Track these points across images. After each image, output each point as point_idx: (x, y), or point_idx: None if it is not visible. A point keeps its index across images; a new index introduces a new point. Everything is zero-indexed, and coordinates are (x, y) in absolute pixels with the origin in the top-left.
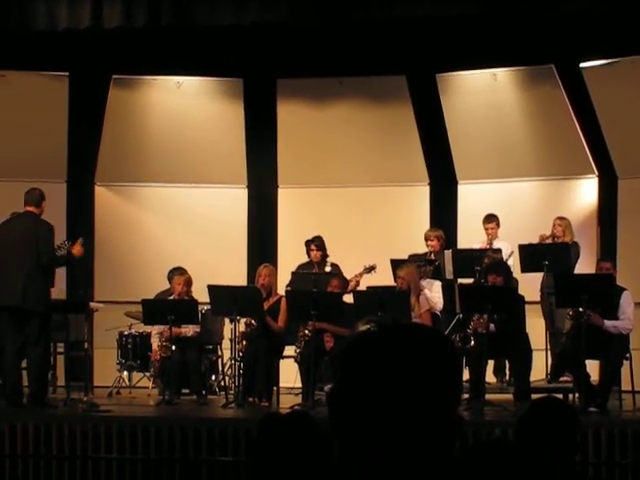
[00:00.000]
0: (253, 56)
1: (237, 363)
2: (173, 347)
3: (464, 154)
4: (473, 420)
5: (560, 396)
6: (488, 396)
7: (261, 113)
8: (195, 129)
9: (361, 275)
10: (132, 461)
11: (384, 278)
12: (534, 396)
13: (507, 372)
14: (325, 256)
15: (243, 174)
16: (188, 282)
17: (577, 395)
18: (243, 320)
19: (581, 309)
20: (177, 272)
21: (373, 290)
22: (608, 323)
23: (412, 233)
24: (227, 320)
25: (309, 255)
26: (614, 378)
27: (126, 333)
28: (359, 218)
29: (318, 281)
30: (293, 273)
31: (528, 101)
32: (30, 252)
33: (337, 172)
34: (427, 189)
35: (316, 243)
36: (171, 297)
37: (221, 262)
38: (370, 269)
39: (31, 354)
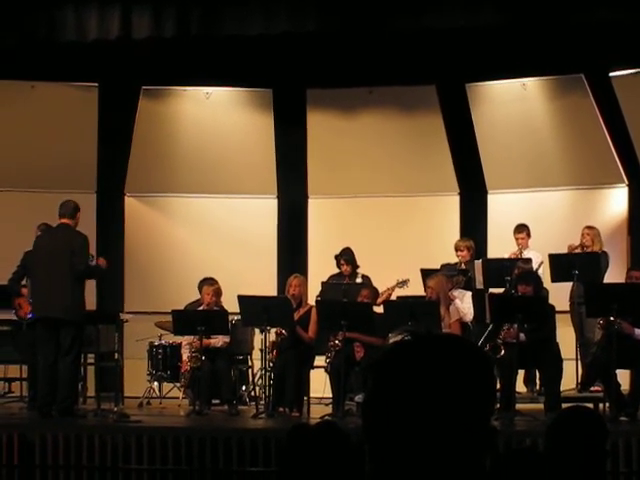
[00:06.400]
0: (282, 66)
1: (267, 373)
2: (203, 357)
3: (494, 164)
4: (504, 430)
5: (591, 405)
6: (518, 406)
7: (291, 123)
8: (224, 139)
9: (393, 289)
10: (163, 472)
11: (414, 288)
12: (564, 405)
13: (537, 382)
14: (356, 267)
15: (273, 184)
16: (217, 292)
17: (608, 404)
18: (273, 330)
19: (612, 318)
20: (207, 282)
21: (403, 300)
22: (639, 332)
23: (442, 243)
24: (257, 330)
25: (340, 268)
26: None
27: (156, 344)
28: (389, 228)
29: (348, 291)
30: (323, 283)
31: (558, 110)
32: (66, 264)
33: (367, 182)
34: (457, 199)
35: (345, 258)
36: (201, 307)
37: (251, 272)
38: (403, 283)
39: (61, 364)
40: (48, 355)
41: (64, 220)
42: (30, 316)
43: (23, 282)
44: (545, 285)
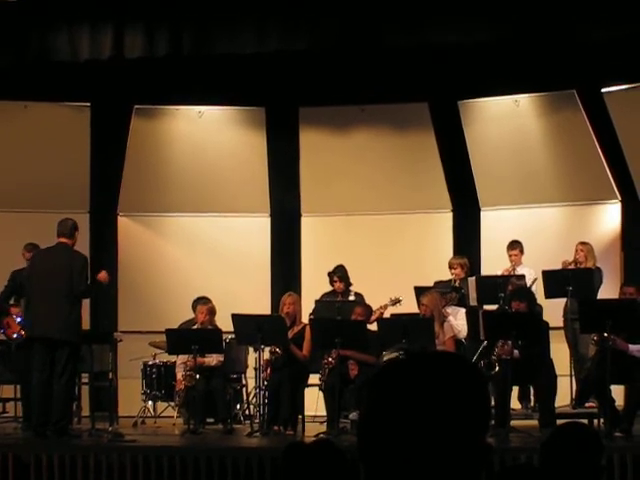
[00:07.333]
0: (275, 85)
1: (262, 392)
2: (197, 376)
3: (487, 180)
4: (498, 446)
5: (585, 421)
6: (513, 422)
7: (283, 141)
8: (217, 158)
9: (386, 307)
10: None
11: (408, 306)
12: (559, 422)
13: (532, 398)
14: (349, 285)
15: (266, 203)
16: (211, 311)
17: (602, 420)
18: (267, 349)
19: (605, 334)
20: (201, 301)
21: (397, 318)
22: (633, 347)
23: (435, 260)
24: (251, 349)
25: (333, 286)
26: (639, 403)
27: (150, 363)
28: (382, 245)
29: (342, 309)
30: (317, 301)
31: (550, 127)
32: (65, 283)
33: (360, 200)
34: (450, 216)
35: (338, 275)
36: (195, 326)
37: (245, 291)
38: (396, 302)
39: (56, 384)
40: (42, 375)
41: (62, 239)
42: (16, 336)
43: (10, 302)
44: (539, 301)
